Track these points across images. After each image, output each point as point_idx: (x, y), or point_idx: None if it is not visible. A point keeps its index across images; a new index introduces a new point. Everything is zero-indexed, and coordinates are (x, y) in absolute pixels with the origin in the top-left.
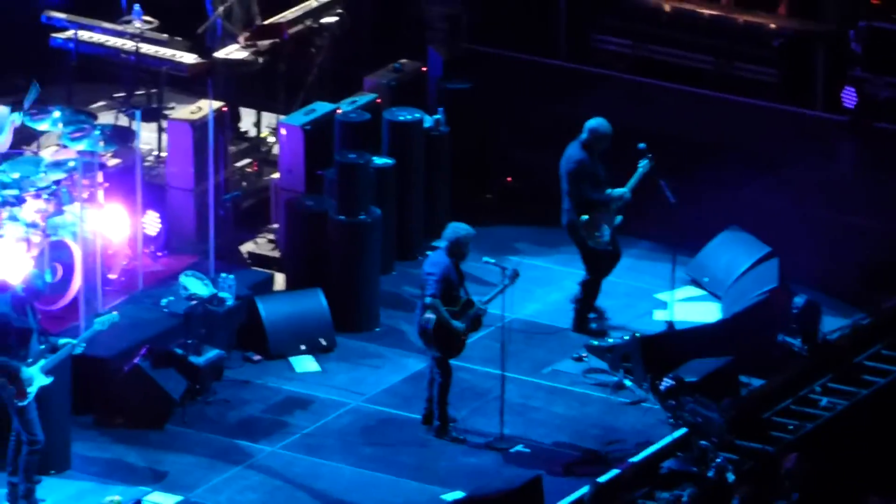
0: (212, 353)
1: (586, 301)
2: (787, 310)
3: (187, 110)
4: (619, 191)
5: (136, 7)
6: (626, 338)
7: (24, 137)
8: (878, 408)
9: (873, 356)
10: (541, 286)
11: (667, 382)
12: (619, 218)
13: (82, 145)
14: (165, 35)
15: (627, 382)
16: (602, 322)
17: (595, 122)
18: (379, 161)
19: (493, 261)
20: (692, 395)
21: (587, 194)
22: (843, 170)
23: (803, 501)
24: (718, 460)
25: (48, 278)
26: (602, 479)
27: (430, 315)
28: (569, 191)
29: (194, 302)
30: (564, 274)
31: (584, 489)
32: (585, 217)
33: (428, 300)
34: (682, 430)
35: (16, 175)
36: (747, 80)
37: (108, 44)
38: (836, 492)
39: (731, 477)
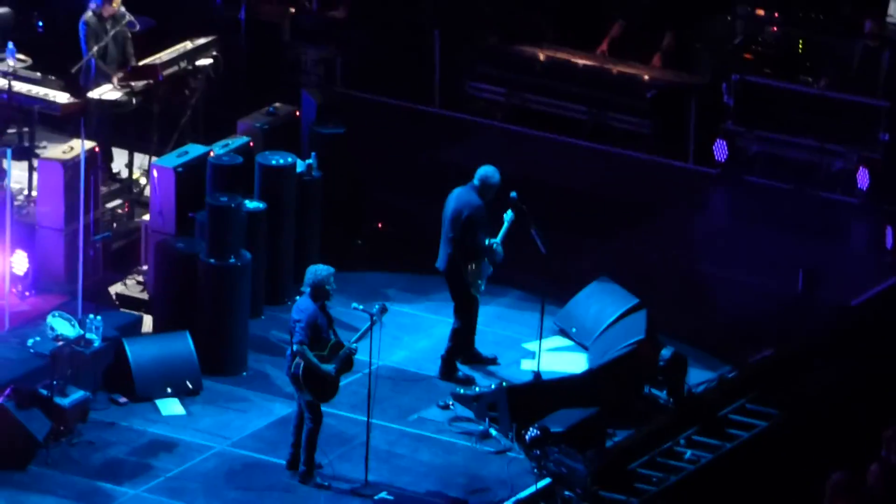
0: (77, 395)
1: (456, 348)
2: (653, 362)
3: (59, 150)
4: (493, 241)
5: (10, 45)
6: (493, 387)
7: None
8: (742, 462)
9: (738, 410)
10: (409, 333)
11: (532, 432)
12: (490, 269)
13: None
14: (38, 73)
15: (493, 431)
16: (488, 364)
17: (487, 170)
18: (251, 205)
19: (361, 307)
20: (557, 444)
21: (480, 242)
22: (713, 222)
23: None
24: None
25: None
26: None
27: (299, 361)
28: (457, 237)
29: (61, 343)
30: (434, 321)
31: None
32: (472, 265)
33: (296, 347)
34: (547, 480)
35: None
36: (621, 130)
37: None
38: None
39: None
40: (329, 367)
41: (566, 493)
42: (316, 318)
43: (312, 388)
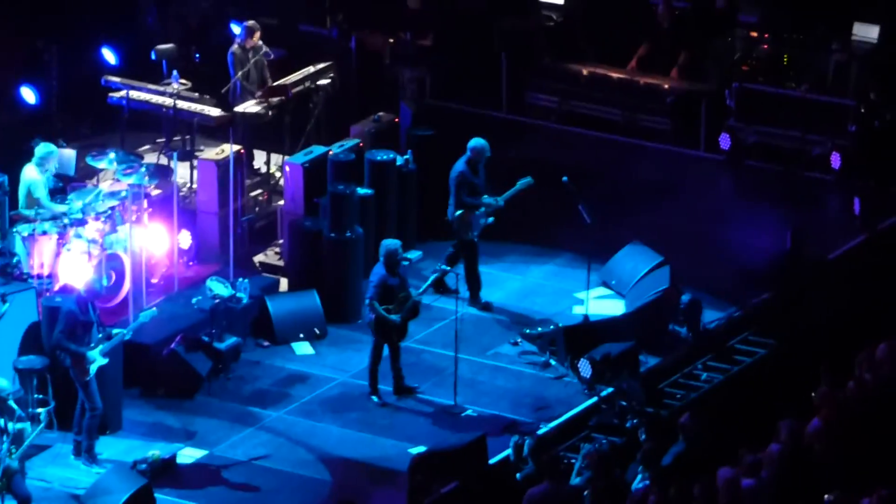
0: (231, 340)
1: (469, 276)
2: (676, 305)
3: (213, 152)
4: (492, 199)
5: (175, 72)
6: (552, 327)
7: (87, 173)
8: (746, 381)
9: (743, 340)
10: (486, 287)
11: (584, 362)
12: (490, 219)
13: (132, 179)
14: (197, 94)
15: (553, 362)
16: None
17: (476, 142)
18: (361, 191)
19: (448, 269)
20: (620, 368)
21: (462, 198)
22: (721, 196)
23: (691, 450)
24: (635, 421)
25: (104, 283)
26: (540, 431)
27: (370, 313)
28: (452, 195)
29: (218, 300)
30: (505, 277)
31: (512, 438)
32: (459, 212)
33: (367, 302)
34: (594, 399)
35: (79, 203)
36: (647, 128)
37: (153, 101)
38: (715, 445)
39: (642, 436)
40: (394, 317)
41: (621, 402)
42: (385, 280)
43: (381, 333)
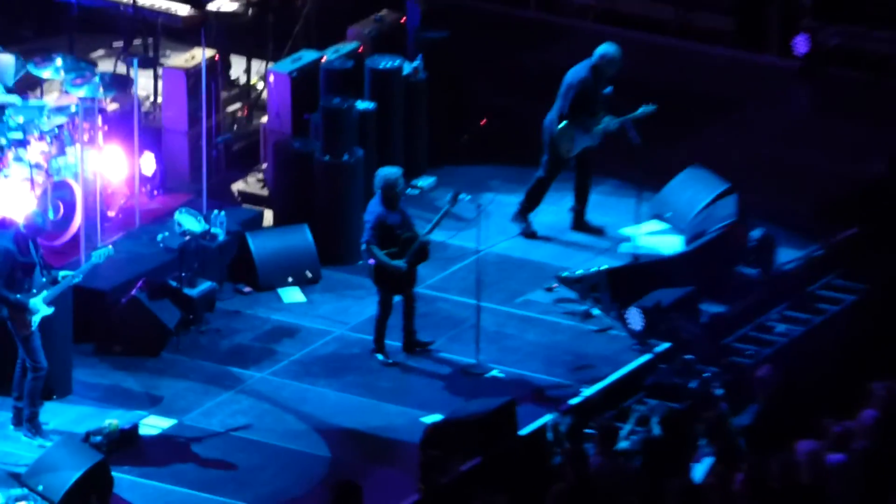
0: (205, 286)
1: (536, 191)
2: (744, 242)
3: (182, 59)
4: (607, 119)
5: None
6: (595, 269)
7: (29, 84)
8: (831, 335)
9: (826, 285)
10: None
11: (633, 311)
12: (596, 141)
13: (83, 91)
14: None
15: (595, 311)
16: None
17: (607, 49)
18: (361, 106)
19: (468, 198)
20: (676, 313)
21: (571, 108)
22: (796, 113)
23: (770, 411)
24: (706, 374)
25: (50, 216)
26: (573, 401)
27: (370, 259)
28: (560, 101)
29: (188, 237)
30: (536, 210)
31: (548, 416)
32: (563, 123)
33: (363, 246)
34: (648, 356)
35: (21, 119)
36: (705, 28)
37: None
38: (794, 411)
39: (718, 391)
40: (399, 263)
41: (686, 356)
42: (385, 219)
43: (382, 283)
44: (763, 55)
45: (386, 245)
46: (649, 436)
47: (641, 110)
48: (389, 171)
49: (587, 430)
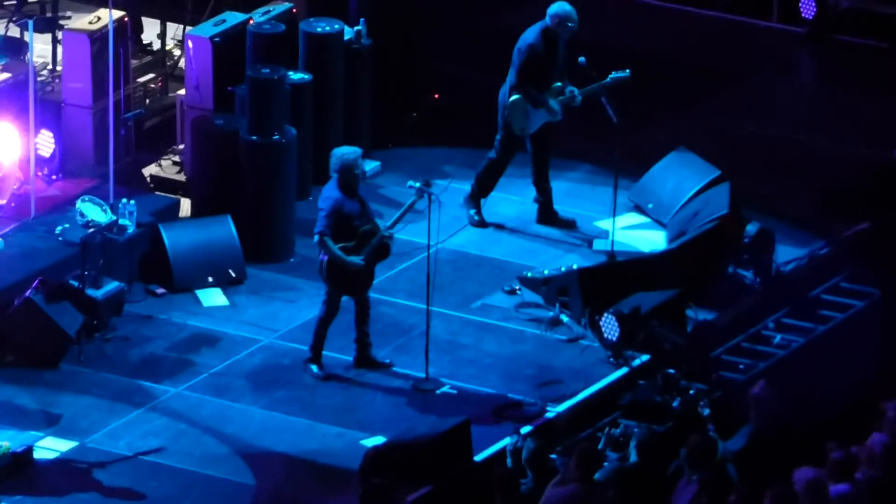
0: (111, 286)
1: (488, 175)
2: (738, 238)
3: (85, 20)
4: (567, 89)
5: None
6: (564, 269)
7: None
8: (836, 346)
9: (832, 289)
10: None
11: (608, 318)
12: (558, 117)
13: None
14: None
15: (564, 318)
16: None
17: (559, 7)
18: (295, 76)
19: (418, 185)
20: (657, 321)
21: (524, 80)
22: (800, 86)
23: (765, 434)
24: (691, 391)
25: None
26: (537, 422)
27: (322, 254)
28: (513, 71)
29: (92, 229)
30: (497, 199)
31: (507, 439)
32: (515, 97)
33: (315, 238)
34: (624, 370)
35: None
36: None
37: None
38: (792, 434)
39: (705, 410)
40: (356, 259)
41: (669, 371)
42: (342, 206)
43: (336, 281)
44: (763, 20)
45: (341, 237)
46: (625, 463)
47: (612, 77)
48: (347, 151)
49: (552, 456)
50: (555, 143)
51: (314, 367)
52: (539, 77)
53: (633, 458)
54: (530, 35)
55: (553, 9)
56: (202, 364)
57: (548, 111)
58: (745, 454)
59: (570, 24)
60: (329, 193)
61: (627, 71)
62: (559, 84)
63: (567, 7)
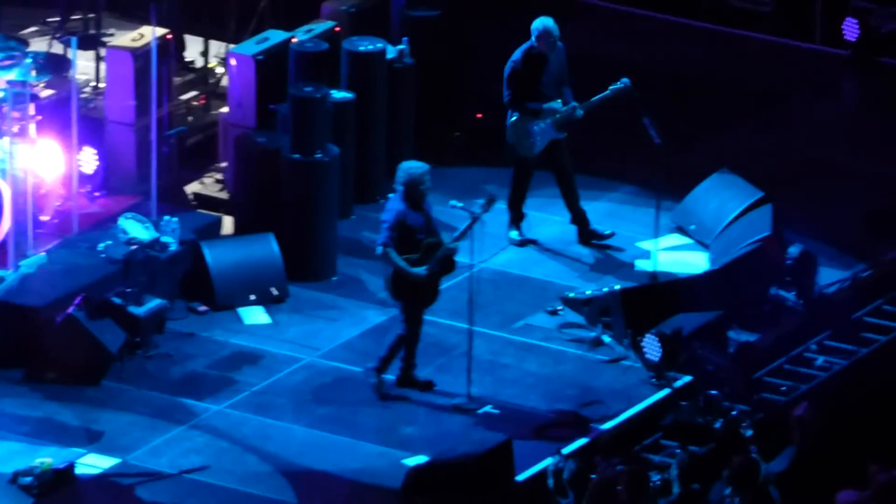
0: (153, 303)
1: (514, 199)
2: (780, 260)
3: (128, 38)
4: (566, 106)
5: None
6: (606, 290)
7: None
8: (879, 369)
9: (874, 312)
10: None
11: (650, 338)
12: (562, 133)
13: (12, 74)
14: None
15: (606, 338)
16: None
17: (541, 23)
18: (337, 95)
19: (460, 204)
20: (699, 342)
21: (516, 99)
22: (843, 108)
23: (808, 456)
24: (733, 413)
25: None
26: (579, 443)
27: (386, 265)
28: (505, 93)
29: (134, 247)
30: (539, 219)
31: (549, 459)
32: (513, 118)
33: (379, 250)
34: (666, 391)
35: None
36: (741, 9)
37: None
38: (837, 456)
39: (748, 432)
40: (419, 270)
41: (711, 392)
42: (405, 219)
43: (401, 293)
44: (806, 42)
45: (405, 250)
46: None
47: (611, 89)
48: (414, 166)
49: (593, 476)
50: (593, 162)
51: (383, 377)
52: (528, 96)
53: (673, 475)
54: (515, 54)
55: (533, 25)
56: (244, 382)
57: (552, 128)
58: (788, 476)
59: (550, 39)
60: (393, 205)
61: (626, 80)
62: (559, 100)
63: (547, 22)
